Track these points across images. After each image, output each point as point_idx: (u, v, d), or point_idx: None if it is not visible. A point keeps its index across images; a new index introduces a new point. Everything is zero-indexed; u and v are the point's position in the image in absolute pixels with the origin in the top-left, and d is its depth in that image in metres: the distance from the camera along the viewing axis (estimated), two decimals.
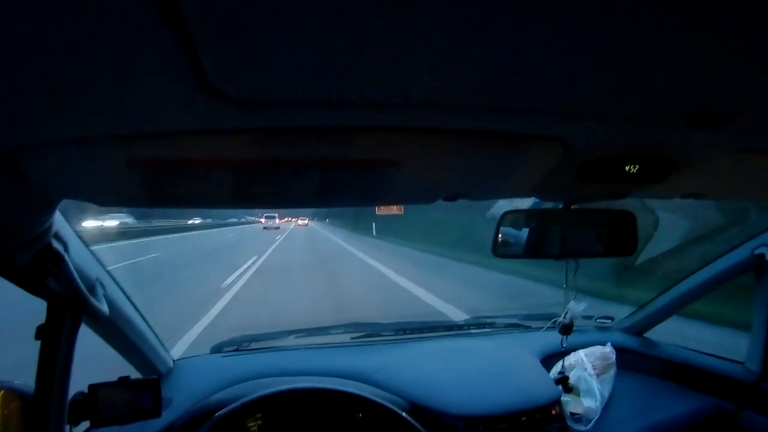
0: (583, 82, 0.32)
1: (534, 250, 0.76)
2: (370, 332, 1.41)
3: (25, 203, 0.48)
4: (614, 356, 1.24)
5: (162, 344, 1.05)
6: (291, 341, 1.36)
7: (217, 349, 1.28)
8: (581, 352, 1.23)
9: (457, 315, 3.79)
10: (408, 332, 1.43)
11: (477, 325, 1.50)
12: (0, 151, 0.38)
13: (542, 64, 0.29)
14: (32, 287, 0.61)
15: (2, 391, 0.65)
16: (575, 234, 0.77)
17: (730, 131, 0.44)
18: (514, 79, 0.31)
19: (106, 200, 0.52)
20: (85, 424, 0.79)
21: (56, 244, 0.57)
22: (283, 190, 0.51)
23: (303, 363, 1.14)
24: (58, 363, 0.68)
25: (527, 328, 1.48)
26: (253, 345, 1.31)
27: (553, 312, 1.44)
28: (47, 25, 0.22)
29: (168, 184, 0.46)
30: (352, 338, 1.38)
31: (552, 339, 1.28)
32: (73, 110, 0.33)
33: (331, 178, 0.48)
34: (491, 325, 1.50)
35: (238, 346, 1.29)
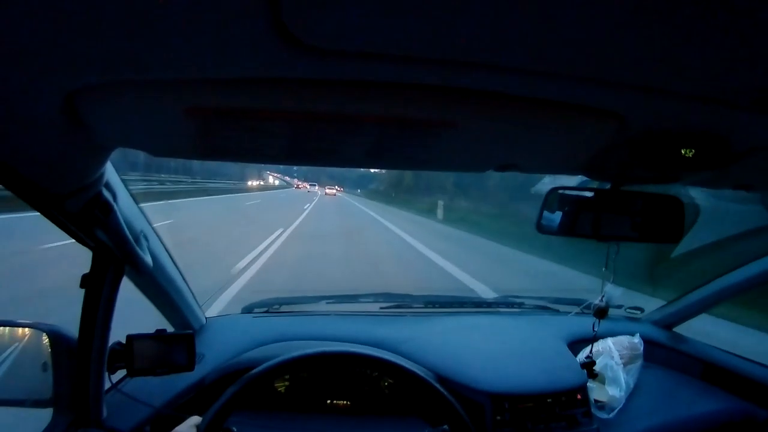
0: (651, 54, 0.31)
1: (578, 229, 0.74)
2: (399, 303, 1.42)
3: (81, 149, 0.48)
4: (642, 347, 1.21)
5: (196, 301, 1.07)
6: (321, 307, 1.38)
7: (248, 310, 1.31)
8: (609, 341, 1.20)
9: None
10: (437, 306, 1.44)
11: (506, 304, 1.50)
12: (61, 93, 0.38)
13: (610, 33, 0.29)
14: (80, 236, 0.63)
15: (52, 335, 0.68)
16: (621, 216, 0.75)
17: None
18: (580, 46, 0.31)
19: (160, 150, 0.52)
20: (121, 373, 0.82)
21: (106, 194, 0.58)
22: (337, 148, 0.50)
23: (332, 329, 1.15)
24: (101, 312, 0.70)
25: (555, 312, 1.46)
26: (284, 308, 1.33)
27: (581, 298, 1.41)
28: None
29: (224, 136, 0.45)
30: (381, 308, 1.39)
31: (579, 324, 1.26)
32: (136, 53, 0.32)
33: (386, 138, 0.47)
34: (520, 305, 1.49)
35: (269, 308, 1.32)
